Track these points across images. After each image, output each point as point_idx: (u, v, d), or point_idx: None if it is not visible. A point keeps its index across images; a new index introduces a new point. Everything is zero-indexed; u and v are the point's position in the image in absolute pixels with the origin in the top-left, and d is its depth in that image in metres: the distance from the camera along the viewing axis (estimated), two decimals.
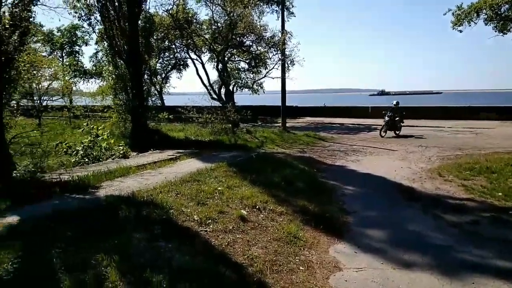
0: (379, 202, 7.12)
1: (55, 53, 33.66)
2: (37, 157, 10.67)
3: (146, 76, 17.42)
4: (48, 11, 23.50)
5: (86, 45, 35.37)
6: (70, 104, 23.40)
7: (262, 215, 5.69)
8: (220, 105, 19.72)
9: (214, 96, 21.59)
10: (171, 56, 28.86)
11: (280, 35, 20.74)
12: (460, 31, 17.11)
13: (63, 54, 34.56)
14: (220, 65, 21.87)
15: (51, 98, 21.09)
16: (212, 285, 3.52)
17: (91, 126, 13.45)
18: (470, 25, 16.73)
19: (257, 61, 23.39)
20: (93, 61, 33.55)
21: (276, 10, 25.06)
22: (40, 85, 19.82)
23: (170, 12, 20.72)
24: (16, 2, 9.79)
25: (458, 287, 3.96)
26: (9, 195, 5.85)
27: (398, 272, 4.31)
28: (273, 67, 22.53)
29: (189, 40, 22.58)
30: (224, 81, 22.15)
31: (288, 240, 4.94)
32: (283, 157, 10.98)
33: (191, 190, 6.33)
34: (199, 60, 24.32)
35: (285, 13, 21.76)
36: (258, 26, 21.63)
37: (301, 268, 4.28)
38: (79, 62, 34.22)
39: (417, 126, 19.88)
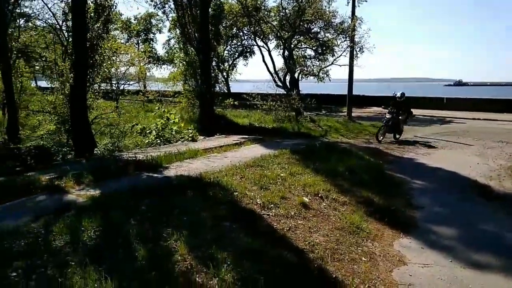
0: (450, 198, 6.69)
1: (131, 40, 36.00)
2: (115, 137, 11.62)
3: (214, 63, 18.00)
4: (128, 0, 25.25)
5: (160, 33, 37.46)
6: (144, 88, 25.00)
7: (324, 204, 5.66)
8: (285, 92, 19.73)
9: (279, 83, 21.65)
10: (238, 44, 29.37)
11: (349, 21, 20.06)
12: None
13: (139, 41, 36.83)
14: (286, 52, 21.81)
15: (127, 83, 22.67)
16: (274, 266, 3.61)
17: (163, 110, 14.28)
18: None
19: (324, 48, 22.93)
20: (165, 48, 35.39)
21: None
22: (118, 70, 21.40)
23: None
24: None
25: None
26: (91, 171, 6.46)
27: (469, 271, 4.06)
28: (340, 55, 22.02)
29: (257, 27, 22.77)
30: (290, 68, 22.06)
31: (350, 230, 4.87)
32: (347, 147, 10.73)
33: (254, 174, 6.48)
34: (266, 47, 24.49)
35: None
36: (327, 12, 21.14)
37: (363, 258, 4.21)
38: (153, 49, 36.22)
39: (495, 120, 18.15)
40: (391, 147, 11.58)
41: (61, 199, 5.14)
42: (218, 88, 18.89)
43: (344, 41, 21.33)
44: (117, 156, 8.40)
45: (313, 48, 24.31)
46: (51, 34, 15.59)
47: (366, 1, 24.17)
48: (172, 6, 16.24)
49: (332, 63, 23.11)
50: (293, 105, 16.70)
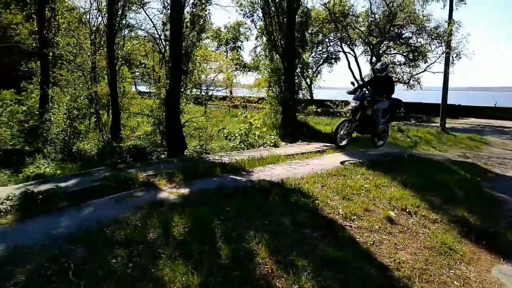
0: None
1: (220, 48, 37.92)
2: (203, 140, 12.32)
3: (298, 70, 18.08)
4: (220, 10, 26.65)
5: (247, 40, 38.87)
6: (231, 94, 26.10)
7: (412, 220, 5.31)
8: None
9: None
10: (324, 50, 29.12)
11: (446, 26, 18.62)
12: None
13: (227, 49, 38.62)
14: (374, 58, 21.04)
15: (216, 89, 23.89)
16: (356, 279, 3.49)
17: (244, 116, 14.75)
18: None
19: (416, 54, 21.61)
20: (251, 55, 36.58)
21: None
22: (207, 77, 22.66)
23: (327, 5, 20.84)
24: (194, 2, 11.41)
25: None
26: (181, 171, 6.92)
27: None
28: (435, 61, 20.59)
29: (344, 33, 22.36)
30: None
31: (442, 250, 4.49)
32: (440, 160, 9.93)
33: (336, 184, 6.33)
34: (352, 53, 23.95)
35: (454, 0, 19.33)
36: (421, 16, 19.99)
37: (455, 283, 3.85)
38: (240, 57, 37.69)
39: None
40: (489, 163, 10.44)
41: (155, 195, 5.57)
42: (301, 94, 18.90)
43: (439, 46, 19.90)
44: (205, 158, 8.88)
45: (404, 54, 23.06)
46: (150, 43, 17.18)
47: (466, 3, 22.24)
48: (260, 14, 16.79)
49: (424, 70, 21.72)
50: None
